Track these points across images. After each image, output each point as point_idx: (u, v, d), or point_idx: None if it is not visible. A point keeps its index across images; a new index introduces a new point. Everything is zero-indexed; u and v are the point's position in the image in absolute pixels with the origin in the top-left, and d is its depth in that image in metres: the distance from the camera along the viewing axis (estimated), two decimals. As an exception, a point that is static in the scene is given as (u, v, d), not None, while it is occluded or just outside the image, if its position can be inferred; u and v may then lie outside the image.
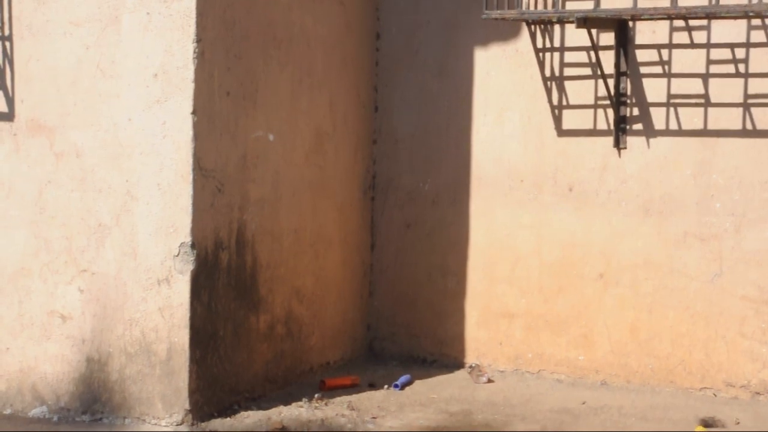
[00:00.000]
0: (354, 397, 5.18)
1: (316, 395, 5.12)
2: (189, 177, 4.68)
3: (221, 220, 4.86)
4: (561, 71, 5.69)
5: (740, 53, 5.33)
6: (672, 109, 5.47)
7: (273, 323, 5.25)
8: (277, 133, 5.22)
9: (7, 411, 4.94)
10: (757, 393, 5.28)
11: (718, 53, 5.37)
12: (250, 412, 4.89)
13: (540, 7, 5.64)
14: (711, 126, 5.39)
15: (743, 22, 5.28)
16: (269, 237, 5.19)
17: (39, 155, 4.90)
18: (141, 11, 4.71)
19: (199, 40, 4.67)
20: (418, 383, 5.53)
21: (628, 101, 5.54)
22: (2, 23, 4.92)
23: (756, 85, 5.30)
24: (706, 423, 4.81)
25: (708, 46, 5.39)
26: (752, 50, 5.30)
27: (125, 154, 4.76)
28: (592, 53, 5.52)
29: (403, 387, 5.42)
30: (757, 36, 5.29)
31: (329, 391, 5.26)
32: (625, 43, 5.50)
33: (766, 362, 5.27)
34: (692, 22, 5.39)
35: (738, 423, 4.86)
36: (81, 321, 4.83)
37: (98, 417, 4.79)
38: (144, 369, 4.72)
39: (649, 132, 5.51)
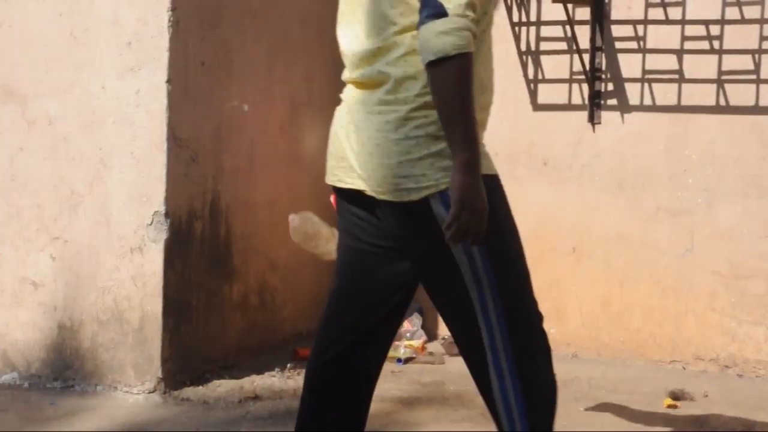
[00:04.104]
0: (326, 368, 5.20)
1: (288, 365, 5.14)
2: (163, 146, 4.67)
3: (195, 190, 4.86)
4: (537, 45, 5.70)
5: (715, 30, 5.35)
6: (646, 85, 5.49)
7: (246, 293, 5.26)
8: (252, 103, 5.21)
9: (-22, 378, 4.94)
10: (726, 366, 5.33)
11: (692, 30, 5.39)
12: (222, 381, 4.90)
13: (517, -19, 5.65)
14: (685, 102, 5.42)
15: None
16: (243, 207, 5.19)
17: (10, 123, 4.87)
18: (115, -22, 4.68)
19: (174, 8, 4.65)
20: (391, 354, 5.54)
21: (603, 76, 5.55)
22: (-25, -11, 4.89)
23: (730, 62, 5.32)
24: (675, 395, 4.85)
25: (683, 22, 5.40)
26: (727, 27, 5.32)
27: (98, 123, 4.74)
28: (568, 28, 5.53)
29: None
30: (732, 13, 5.31)
31: (302, 360, 5.27)
32: (600, 19, 5.51)
33: (735, 336, 5.32)
34: (668, -2, 5.42)
35: (706, 396, 4.91)
36: (53, 288, 4.83)
37: (69, 384, 4.79)
38: (116, 337, 4.73)
39: (624, 107, 5.53)
